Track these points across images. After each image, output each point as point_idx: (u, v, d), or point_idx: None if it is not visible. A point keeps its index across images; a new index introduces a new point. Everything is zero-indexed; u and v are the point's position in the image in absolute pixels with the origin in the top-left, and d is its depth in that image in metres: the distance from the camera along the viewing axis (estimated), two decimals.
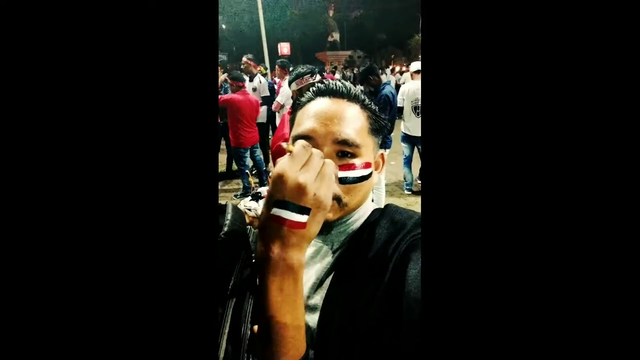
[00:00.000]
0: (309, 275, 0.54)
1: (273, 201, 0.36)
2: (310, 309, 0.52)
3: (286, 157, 0.37)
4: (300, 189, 0.36)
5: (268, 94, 4.41)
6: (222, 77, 3.44)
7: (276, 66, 4.29)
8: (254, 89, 4.21)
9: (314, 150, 0.39)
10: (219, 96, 3.38)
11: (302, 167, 0.37)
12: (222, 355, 0.36)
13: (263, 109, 4.42)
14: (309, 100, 0.54)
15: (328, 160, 0.40)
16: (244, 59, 4.33)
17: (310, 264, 0.55)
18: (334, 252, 0.54)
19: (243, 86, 3.56)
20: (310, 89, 0.55)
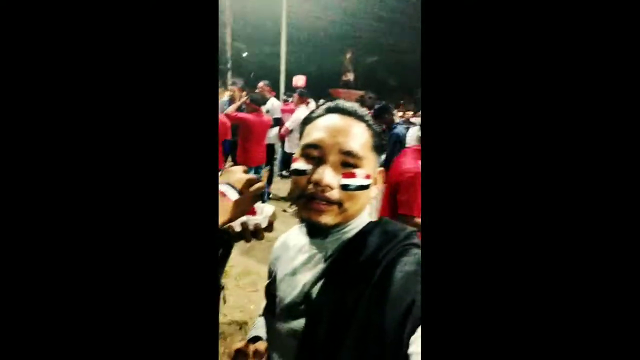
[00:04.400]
0: (302, 281, 0.57)
1: None
2: (301, 314, 0.55)
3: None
4: None
5: (280, 115, 4.53)
6: (243, 99, 3.59)
7: (296, 94, 4.56)
8: (267, 111, 4.34)
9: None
10: (235, 113, 3.45)
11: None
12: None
13: (274, 131, 4.48)
14: (320, 116, 0.59)
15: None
16: (261, 84, 4.57)
17: (302, 271, 0.59)
18: (326, 260, 0.57)
19: (259, 109, 3.64)
20: (322, 107, 0.60)
